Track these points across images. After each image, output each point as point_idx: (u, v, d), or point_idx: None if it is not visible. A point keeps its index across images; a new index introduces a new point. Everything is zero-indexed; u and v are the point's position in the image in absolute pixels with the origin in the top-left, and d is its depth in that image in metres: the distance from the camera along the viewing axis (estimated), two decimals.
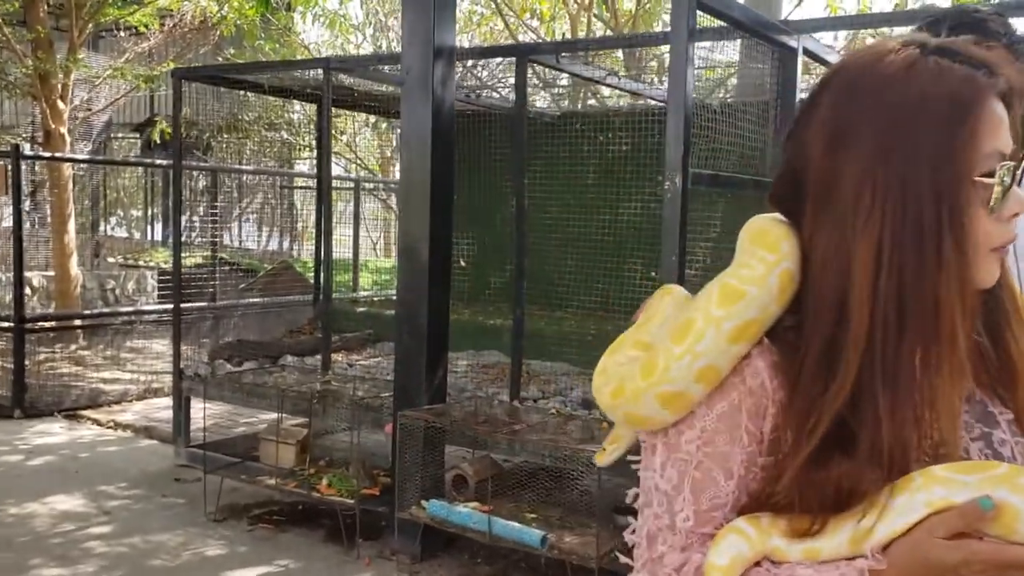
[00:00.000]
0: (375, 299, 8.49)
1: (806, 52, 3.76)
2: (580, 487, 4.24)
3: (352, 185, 10.17)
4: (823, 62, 4.06)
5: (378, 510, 4.48)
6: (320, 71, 5.51)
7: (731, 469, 0.98)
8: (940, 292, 0.91)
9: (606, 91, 9.32)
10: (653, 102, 6.02)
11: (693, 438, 0.99)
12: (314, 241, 6.64)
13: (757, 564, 0.95)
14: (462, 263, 6.41)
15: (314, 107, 7.64)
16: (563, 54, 4.90)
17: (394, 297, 5.80)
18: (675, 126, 2.81)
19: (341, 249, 8.27)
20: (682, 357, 0.98)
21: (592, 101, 10.89)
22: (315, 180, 7.70)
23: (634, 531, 1.06)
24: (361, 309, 7.43)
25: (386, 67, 5.64)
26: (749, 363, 0.98)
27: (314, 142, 8.77)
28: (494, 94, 7.65)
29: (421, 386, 4.38)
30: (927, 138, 0.91)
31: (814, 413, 0.94)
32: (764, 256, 0.99)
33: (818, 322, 0.96)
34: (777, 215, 1.04)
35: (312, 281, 7.20)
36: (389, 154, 17.66)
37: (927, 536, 0.88)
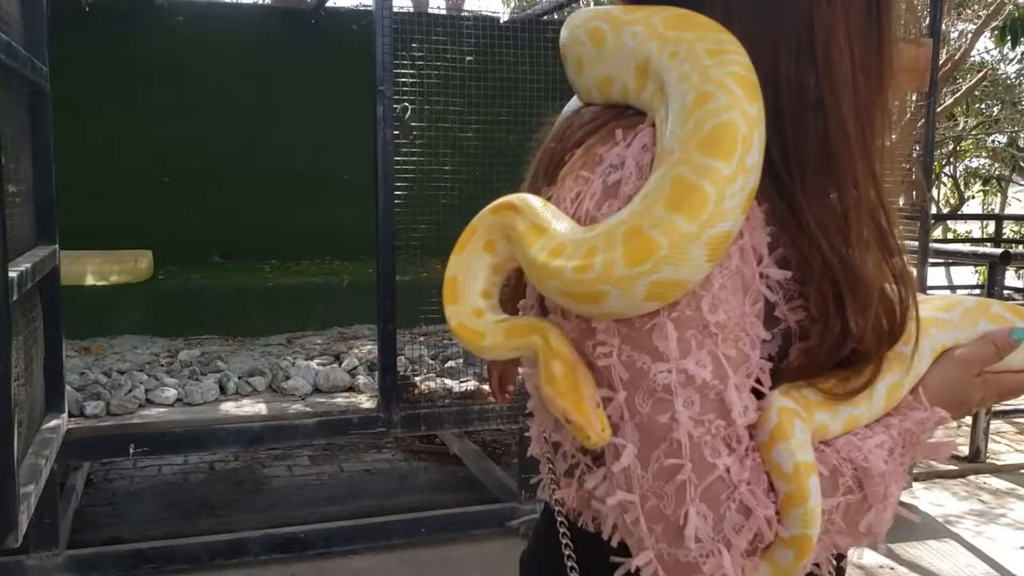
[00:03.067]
0: None
1: None
2: None
3: None
4: None
5: None
6: None
7: (757, 334, 0.77)
8: (885, 51, 0.84)
9: None
10: None
11: (716, 303, 0.75)
12: None
13: None
14: None
15: None
16: None
17: None
18: None
19: None
20: (735, 179, 0.71)
21: None
22: None
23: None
24: None
25: None
26: None
27: None
28: None
29: None
30: None
31: (852, 215, 0.79)
32: (724, 39, 0.76)
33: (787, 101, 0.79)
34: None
35: None
36: None
37: (965, 375, 0.87)
